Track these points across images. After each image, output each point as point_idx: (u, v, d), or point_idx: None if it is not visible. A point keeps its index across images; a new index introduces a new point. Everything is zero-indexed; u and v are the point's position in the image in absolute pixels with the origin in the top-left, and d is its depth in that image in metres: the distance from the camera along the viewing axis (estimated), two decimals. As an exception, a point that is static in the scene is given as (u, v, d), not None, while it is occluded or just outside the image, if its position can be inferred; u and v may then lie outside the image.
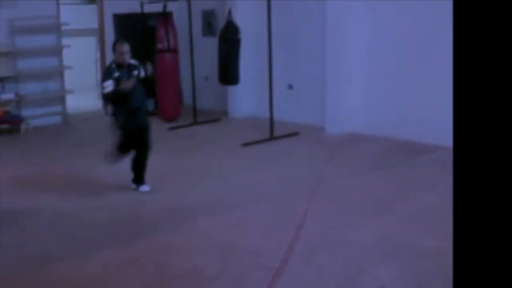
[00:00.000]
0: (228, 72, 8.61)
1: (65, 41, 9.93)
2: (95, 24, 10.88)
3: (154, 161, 6.20)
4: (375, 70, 8.13)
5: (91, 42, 12.10)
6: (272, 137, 8.21)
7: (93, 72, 11.89)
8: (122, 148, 6.09)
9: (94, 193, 6.08)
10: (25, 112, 9.41)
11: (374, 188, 6.06)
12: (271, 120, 8.23)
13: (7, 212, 5.53)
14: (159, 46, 9.63)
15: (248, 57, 9.07)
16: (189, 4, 9.38)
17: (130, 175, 6.11)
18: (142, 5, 9.70)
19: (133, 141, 6.04)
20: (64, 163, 7.37)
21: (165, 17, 9.67)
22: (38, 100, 9.61)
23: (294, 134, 8.43)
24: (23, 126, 9.17)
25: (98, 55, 11.08)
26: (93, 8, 11.13)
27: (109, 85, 5.74)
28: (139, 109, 5.99)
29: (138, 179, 6.10)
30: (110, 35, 10.32)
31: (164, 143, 7.62)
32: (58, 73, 9.93)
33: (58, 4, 9.80)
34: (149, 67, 6.18)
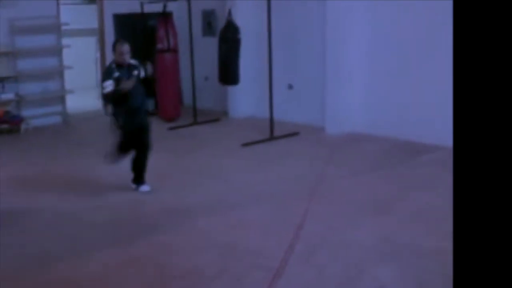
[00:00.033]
0: (228, 72, 8.61)
1: (65, 41, 9.93)
2: (95, 24, 10.88)
3: (154, 161, 6.20)
4: (375, 70, 8.13)
5: (91, 42, 12.11)
6: (272, 137, 8.21)
7: (93, 72, 11.90)
8: (122, 148, 6.09)
9: (94, 193, 6.08)
10: (25, 112, 9.41)
11: (374, 188, 6.06)
12: (271, 120, 8.23)
13: (7, 212, 5.53)
14: (159, 46, 9.63)
15: (248, 57, 9.07)
16: (189, 4, 9.38)
17: (130, 175, 6.12)
18: (142, 5, 9.70)
19: (133, 141, 6.04)
20: (64, 163, 7.37)
21: (165, 17, 9.67)
22: (38, 100, 9.61)
23: (294, 134, 8.43)
24: (23, 126, 9.17)
25: (98, 55, 11.08)
26: (93, 8, 11.13)
27: (109, 85, 5.74)
28: (139, 109, 5.99)
29: (138, 179, 6.10)
30: (110, 35, 10.32)
31: (164, 143, 7.62)
32: (58, 73, 9.94)
33: (58, 4, 9.80)
34: (149, 67, 6.19)
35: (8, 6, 8.97)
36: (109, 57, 7.30)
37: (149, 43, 9.69)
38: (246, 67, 8.98)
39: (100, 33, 10.67)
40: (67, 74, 10.05)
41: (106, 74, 5.94)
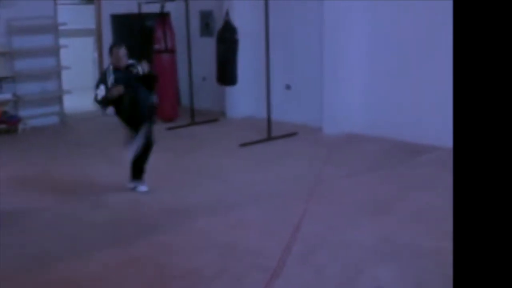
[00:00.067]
0: (226, 73, 8.62)
1: (62, 41, 9.91)
2: (92, 25, 10.89)
3: (153, 161, 6.19)
4: (375, 70, 8.14)
5: (89, 43, 12.11)
6: (270, 137, 8.21)
7: (91, 73, 11.89)
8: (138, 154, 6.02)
9: (94, 193, 6.08)
10: (23, 112, 9.40)
11: (373, 188, 6.07)
12: (269, 120, 8.23)
13: (7, 212, 5.53)
14: (157, 46, 9.63)
15: (246, 58, 9.07)
16: (186, 5, 9.39)
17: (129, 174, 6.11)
18: (139, 5, 9.69)
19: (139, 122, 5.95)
20: (63, 163, 7.37)
21: (163, 17, 9.67)
22: (36, 100, 9.60)
23: (292, 134, 8.44)
24: (20, 126, 9.17)
25: (96, 55, 11.08)
26: (90, 8, 11.13)
27: (101, 91, 5.83)
28: (142, 105, 5.94)
29: (137, 176, 6.07)
30: (107, 36, 10.35)
31: (163, 143, 7.59)
32: (56, 73, 9.93)
33: (55, 4, 9.79)
34: (145, 65, 6.18)
35: (5, 6, 8.96)
36: (107, 57, 7.29)
37: (147, 44, 9.67)
38: (244, 68, 8.98)
39: (98, 34, 10.68)
40: (64, 74, 10.05)
41: (100, 79, 6.04)
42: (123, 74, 5.94)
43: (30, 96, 9.48)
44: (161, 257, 4.52)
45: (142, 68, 6.10)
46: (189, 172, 6.83)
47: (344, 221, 5.17)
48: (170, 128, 9.15)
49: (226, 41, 8.54)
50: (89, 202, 5.84)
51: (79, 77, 11.12)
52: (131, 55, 6.13)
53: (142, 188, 6.08)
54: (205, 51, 9.85)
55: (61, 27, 9.90)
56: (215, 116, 9.83)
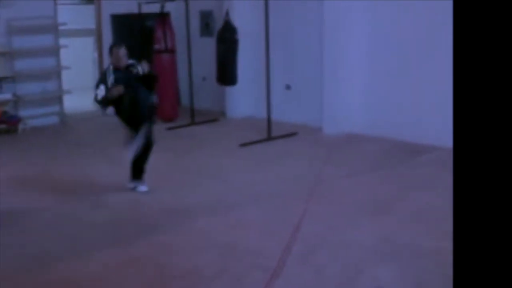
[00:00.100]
0: (226, 73, 8.62)
1: (62, 41, 9.92)
2: (92, 25, 10.89)
3: (153, 161, 6.19)
4: (375, 70, 8.14)
5: (89, 43, 12.12)
6: (270, 137, 8.21)
7: (91, 73, 11.89)
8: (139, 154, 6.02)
9: (94, 193, 6.08)
10: (23, 112, 9.40)
11: (373, 188, 6.07)
12: (269, 120, 8.23)
13: (7, 212, 5.53)
14: (157, 46, 9.63)
15: (246, 58, 9.07)
16: (186, 5, 9.38)
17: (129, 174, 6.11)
18: (139, 5, 9.69)
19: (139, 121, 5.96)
20: (63, 163, 7.37)
21: (163, 17, 9.67)
22: (36, 100, 9.60)
23: (292, 134, 8.44)
24: (20, 126, 9.17)
25: (96, 55, 11.08)
26: (90, 8, 11.13)
27: (101, 91, 5.83)
28: (142, 104, 5.95)
29: (137, 176, 6.07)
30: (107, 36, 10.35)
31: (163, 143, 7.59)
32: (56, 73, 9.93)
33: (55, 4, 9.79)
34: (145, 65, 6.18)
35: (5, 6, 8.96)
36: (107, 57, 7.30)
37: (147, 44, 9.68)
38: (244, 68, 8.98)
39: (98, 34, 10.68)
40: (64, 74, 10.05)
41: (100, 79, 6.05)
42: (123, 74, 5.95)
43: (30, 96, 9.49)
44: (161, 257, 4.52)
45: (142, 68, 6.10)
46: (189, 172, 6.83)
47: (344, 221, 5.17)
48: (170, 128, 9.15)
49: (226, 41, 8.54)
50: (89, 202, 5.84)
51: (79, 77, 11.12)
52: (131, 55, 6.13)
53: (142, 188, 6.08)
54: (205, 51, 9.85)
55: (61, 27, 9.91)
56: (215, 116, 9.83)
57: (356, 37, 8.22)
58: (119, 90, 5.82)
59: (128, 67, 6.04)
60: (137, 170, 6.07)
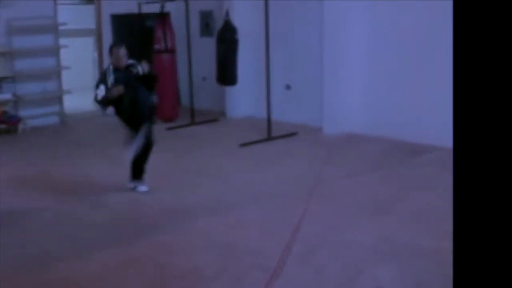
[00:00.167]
0: (226, 73, 8.62)
1: (62, 41, 9.92)
2: (92, 25, 10.89)
3: (153, 161, 6.19)
4: (375, 70, 8.14)
5: (89, 43, 12.11)
6: (270, 137, 8.21)
7: (91, 73, 11.89)
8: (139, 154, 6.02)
9: (94, 193, 6.08)
10: (23, 112, 9.40)
11: (373, 188, 6.07)
12: (269, 120, 8.23)
13: (7, 212, 5.53)
14: (157, 46, 9.63)
15: (246, 58, 9.07)
16: (186, 5, 9.38)
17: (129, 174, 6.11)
18: (139, 5, 9.69)
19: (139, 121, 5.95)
20: (63, 163, 7.37)
21: (163, 17, 9.67)
22: (36, 100, 9.60)
23: (292, 134, 8.44)
24: (20, 126, 9.17)
25: (96, 55, 11.08)
26: (90, 8, 11.13)
27: (101, 91, 5.83)
28: (142, 104, 5.95)
29: (137, 176, 6.07)
30: (107, 36, 10.35)
31: (163, 143, 7.59)
32: (56, 73, 9.93)
33: (55, 4, 9.79)
34: (145, 65, 6.18)
35: (5, 6, 8.96)
36: (107, 57, 7.31)
37: (147, 44, 9.68)
38: (244, 68, 8.98)
39: (98, 34, 10.68)
40: (64, 74, 10.05)
41: (100, 79, 6.05)
42: (123, 74, 5.95)
43: (30, 96, 9.49)
44: (161, 257, 4.52)
45: (142, 68, 6.10)
46: (189, 172, 6.83)
47: (344, 221, 5.17)
48: (170, 128, 9.15)
49: (226, 41, 8.54)
50: (89, 202, 5.84)
51: (79, 77, 11.12)
52: (131, 55, 6.13)
53: (142, 188, 6.08)
54: (205, 51, 9.85)
55: (61, 27, 9.91)
56: (215, 116, 9.83)
57: (356, 37, 8.22)
58: (119, 90, 5.82)
59: (128, 67, 6.05)
60: (137, 170, 6.06)
